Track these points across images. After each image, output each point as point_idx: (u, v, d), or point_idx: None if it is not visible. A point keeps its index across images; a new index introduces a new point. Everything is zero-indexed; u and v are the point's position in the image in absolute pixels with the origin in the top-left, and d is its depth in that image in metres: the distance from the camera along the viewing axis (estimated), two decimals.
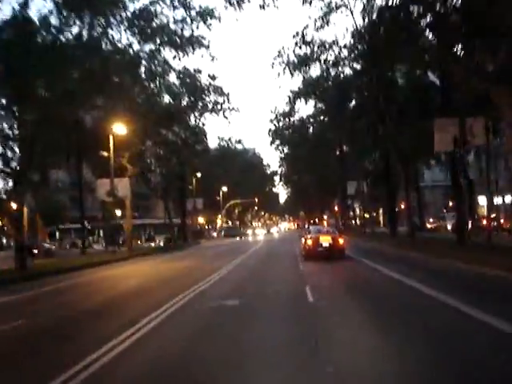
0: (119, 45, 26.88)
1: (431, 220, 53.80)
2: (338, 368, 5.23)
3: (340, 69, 32.86)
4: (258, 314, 8.86)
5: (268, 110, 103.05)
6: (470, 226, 27.88)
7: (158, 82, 38.10)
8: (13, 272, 19.73)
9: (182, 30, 27.62)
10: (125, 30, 26.10)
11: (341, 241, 19.76)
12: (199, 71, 43.20)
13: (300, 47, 29.87)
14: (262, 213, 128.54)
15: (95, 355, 6.11)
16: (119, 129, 28.66)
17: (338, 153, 51.87)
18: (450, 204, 62.38)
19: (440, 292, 9.72)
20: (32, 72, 20.09)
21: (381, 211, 65.87)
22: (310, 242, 19.88)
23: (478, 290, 10.55)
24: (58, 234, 53.83)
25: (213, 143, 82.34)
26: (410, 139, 24.35)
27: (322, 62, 30.63)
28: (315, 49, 30.57)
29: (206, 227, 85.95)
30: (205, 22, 26.76)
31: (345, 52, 30.68)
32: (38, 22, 21.77)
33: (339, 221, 63.26)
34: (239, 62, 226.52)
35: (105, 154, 29.46)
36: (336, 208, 69.66)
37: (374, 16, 22.32)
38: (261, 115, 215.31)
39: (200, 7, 26.69)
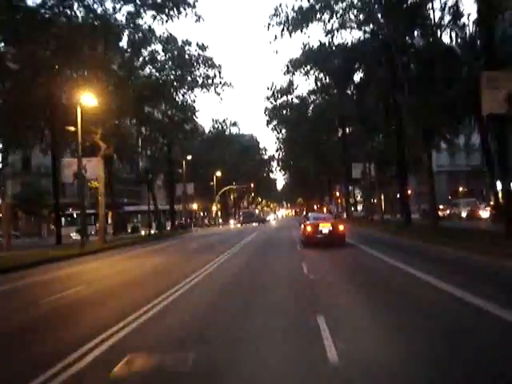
0: (97, 8, 23.75)
1: (441, 207, 49.45)
2: None
3: (346, 31, 28.40)
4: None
5: (264, 89, 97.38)
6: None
7: (138, 51, 33.88)
8: None
9: None
10: None
11: (341, 227, 19.25)
12: (189, 43, 38.73)
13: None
14: (259, 199, 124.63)
15: None
16: (89, 100, 24.26)
17: (340, 132, 47.45)
18: (461, 189, 58.59)
19: None
20: None
21: (382, 197, 61.49)
22: (309, 228, 19.37)
23: None
24: (63, 220, 45.47)
25: (207, 126, 78.19)
26: (436, 110, 19.98)
27: (327, 20, 26.20)
28: (317, 6, 26.33)
29: (201, 214, 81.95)
30: None
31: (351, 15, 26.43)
32: None
33: (340, 208, 59.20)
34: (232, 33, 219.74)
35: (71, 128, 24.98)
36: (338, 193, 65.58)
37: None
38: (257, 96, 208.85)
39: None
